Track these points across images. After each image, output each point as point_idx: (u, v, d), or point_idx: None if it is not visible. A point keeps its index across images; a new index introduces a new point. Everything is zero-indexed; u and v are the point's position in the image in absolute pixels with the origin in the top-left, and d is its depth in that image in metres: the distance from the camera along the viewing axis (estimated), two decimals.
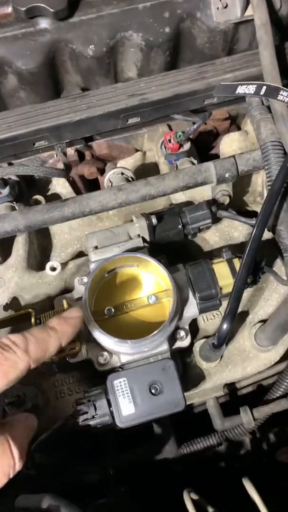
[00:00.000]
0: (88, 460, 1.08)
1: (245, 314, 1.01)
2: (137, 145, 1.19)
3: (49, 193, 1.15)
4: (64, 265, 1.02)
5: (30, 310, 0.88)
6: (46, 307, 0.97)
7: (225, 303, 0.82)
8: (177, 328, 0.88)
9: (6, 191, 1.01)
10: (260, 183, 1.16)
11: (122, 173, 1.05)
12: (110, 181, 1.05)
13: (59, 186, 1.14)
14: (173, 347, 0.88)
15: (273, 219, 0.89)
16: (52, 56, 1.05)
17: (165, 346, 0.84)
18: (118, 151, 1.19)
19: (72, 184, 1.16)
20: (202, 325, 1.00)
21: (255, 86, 0.93)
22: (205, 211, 0.97)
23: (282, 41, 1.08)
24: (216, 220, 1.04)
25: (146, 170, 1.18)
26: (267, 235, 0.93)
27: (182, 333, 0.89)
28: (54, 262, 0.99)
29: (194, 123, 1.02)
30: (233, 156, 0.97)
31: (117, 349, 0.82)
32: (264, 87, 0.92)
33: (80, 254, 1.09)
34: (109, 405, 0.78)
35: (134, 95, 1.00)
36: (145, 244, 0.94)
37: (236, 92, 0.97)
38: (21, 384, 0.88)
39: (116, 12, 1.03)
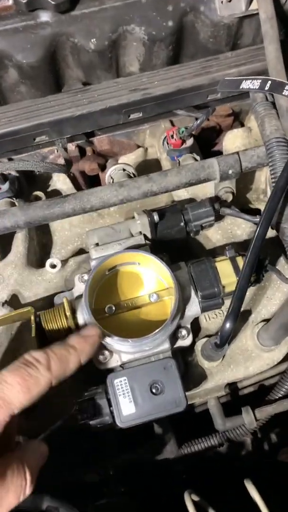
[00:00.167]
0: (88, 460, 1.07)
1: (248, 313, 0.99)
2: (138, 141, 1.18)
3: (50, 189, 1.14)
4: (64, 262, 1.01)
5: (29, 307, 0.87)
6: (46, 305, 0.95)
7: (227, 302, 0.80)
8: (178, 326, 0.87)
9: (5, 186, 1.00)
10: (263, 181, 1.14)
11: (124, 169, 1.04)
12: (112, 177, 1.04)
13: (60, 182, 1.13)
14: (175, 346, 0.86)
15: (277, 217, 0.88)
16: (53, 50, 1.03)
17: (166, 345, 0.83)
18: (120, 147, 1.17)
19: (73, 180, 1.15)
20: (204, 324, 0.99)
21: (260, 81, 0.92)
22: (208, 208, 0.96)
23: (287, 36, 1.07)
24: (219, 217, 1.02)
25: (148, 167, 1.17)
26: (270, 233, 0.92)
27: (183, 332, 0.88)
28: (54, 259, 0.98)
29: (197, 119, 1.01)
30: (237, 153, 0.96)
31: (117, 347, 0.81)
32: (269, 82, 0.91)
33: (81, 251, 1.08)
34: (110, 404, 0.77)
35: (136, 90, 0.99)
36: (147, 242, 0.93)
37: (241, 87, 0.96)
38: None
39: (119, 5, 1.02)
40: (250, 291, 1.00)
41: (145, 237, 0.94)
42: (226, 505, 0.94)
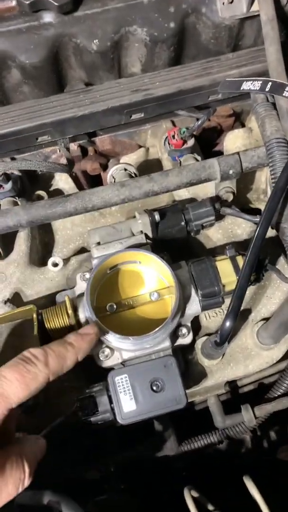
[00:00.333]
0: (89, 456, 1.08)
1: (248, 312, 1.00)
2: (140, 141, 1.19)
3: (52, 188, 1.15)
4: (66, 261, 1.02)
5: (31, 305, 0.88)
6: (48, 303, 0.96)
7: (227, 301, 0.81)
8: (179, 325, 0.88)
9: (8, 186, 1.01)
10: (263, 181, 1.15)
11: (125, 169, 1.04)
12: (113, 177, 1.05)
13: (62, 181, 1.14)
14: (175, 344, 0.87)
15: (277, 217, 0.89)
16: (56, 51, 1.04)
17: (167, 343, 0.83)
18: (121, 147, 1.18)
19: (75, 179, 1.16)
20: (204, 323, 0.99)
21: (261, 82, 0.93)
22: (209, 208, 0.96)
23: (287, 37, 1.07)
24: (219, 217, 1.03)
25: (149, 167, 1.17)
26: (270, 232, 0.92)
27: (184, 330, 0.88)
28: (56, 257, 0.99)
29: (198, 119, 1.01)
30: (238, 153, 0.97)
31: (119, 345, 0.82)
32: (270, 84, 0.91)
33: (82, 250, 1.08)
34: (110, 401, 0.78)
35: (138, 91, 0.99)
36: (148, 241, 0.94)
37: (241, 88, 0.96)
38: None
39: (121, 7, 1.03)
40: (250, 290, 1.01)
41: (146, 236, 0.95)
42: (225, 501, 0.95)
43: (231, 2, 1.05)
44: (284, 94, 0.89)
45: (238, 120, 1.26)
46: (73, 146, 1.14)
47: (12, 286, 0.99)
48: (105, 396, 0.79)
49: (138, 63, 1.12)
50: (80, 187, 1.18)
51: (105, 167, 1.23)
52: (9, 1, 1.00)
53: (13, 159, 1.08)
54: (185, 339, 0.89)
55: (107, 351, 0.84)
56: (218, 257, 0.90)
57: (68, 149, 1.06)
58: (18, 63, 1.03)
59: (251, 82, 0.94)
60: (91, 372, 0.92)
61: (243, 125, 1.26)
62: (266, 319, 0.96)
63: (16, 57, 1.02)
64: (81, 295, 0.89)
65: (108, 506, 0.95)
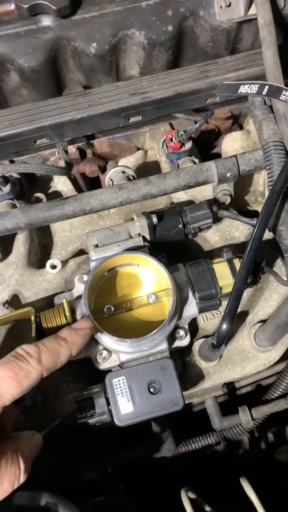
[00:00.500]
0: (87, 457, 1.09)
1: (245, 314, 1.01)
2: (138, 144, 1.19)
3: (50, 190, 1.15)
4: (64, 263, 1.02)
5: (30, 307, 0.89)
6: (46, 305, 0.97)
7: (225, 303, 0.82)
8: (176, 327, 0.88)
9: (7, 188, 1.02)
10: (261, 183, 1.16)
11: (123, 172, 1.05)
12: (111, 180, 1.05)
13: (60, 184, 1.14)
14: (172, 346, 0.88)
15: (274, 219, 0.89)
16: (54, 54, 1.04)
17: (164, 345, 0.84)
18: (120, 150, 1.19)
19: (74, 182, 1.16)
20: (201, 325, 1.00)
21: (258, 85, 0.93)
22: (206, 211, 0.97)
23: (285, 40, 1.08)
24: (217, 219, 1.04)
25: (148, 169, 1.18)
26: (267, 235, 0.93)
27: (181, 332, 0.89)
28: (54, 260, 1.00)
29: (196, 122, 1.02)
30: (235, 156, 0.97)
31: (116, 347, 0.82)
32: (267, 87, 0.92)
33: (81, 252, 1.09)
34: (108, 403, 0.79)
35: (136, 94, 1.00)
36: (146, 243, 0.94)
37: (239, 91, 0.97)
38: None
39: (119, 10, 1.03)
40: (248, 292, 1.02)
41: (144, 238, 0.95)
42: (222, 503, 0.95)
43: (229, 6, 1.06)
44: (281, 98, 0.90)
45: (236, 122, 1.27)
46: (72, 149, 1.15)
47: (10, 288, 0.99)
48: (103, 398, 0.80)
49: (136, 66, 1.12)
50: (78, 189, 1.18)
51: (103, 170, 1.23)
52: (7, 4, 1.00)
53: (11, 161, 1.09)
54: (182, 341, 0.89)
55: (104, 353, 0.85)
56: (215, 260, 0.91)
57: (66, 151, 1.06)
58: (16, 66, 1.03)
59: (248, 85, 0.94)
60: (89, 374, 0.93)
61: (241, 128, 1.27)
62: (264, 321, 0.96)
63: (14, 60, 1.02)
64: (79, 297, 0.90)
65: (106, 507, 0.96)
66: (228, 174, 0.96)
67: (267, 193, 1.07)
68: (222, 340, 0.82)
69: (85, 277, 0.92)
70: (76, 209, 0.93)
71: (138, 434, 1.09)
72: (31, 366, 0.67)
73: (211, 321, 1.00)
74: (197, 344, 0.95)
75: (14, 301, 0.99)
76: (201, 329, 1.00)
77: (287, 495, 1.11)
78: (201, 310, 0.89)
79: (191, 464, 1.15)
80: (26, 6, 0.98)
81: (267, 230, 0.86)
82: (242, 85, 0.96)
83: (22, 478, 0.66)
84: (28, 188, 1.12)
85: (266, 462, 1.24)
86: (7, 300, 0.98)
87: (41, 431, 0.81)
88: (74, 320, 0.88)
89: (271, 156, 0.91)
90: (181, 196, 1.10)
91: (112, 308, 0.86)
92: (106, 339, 0.81)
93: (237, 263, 0.89)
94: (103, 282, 0.90)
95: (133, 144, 1.19)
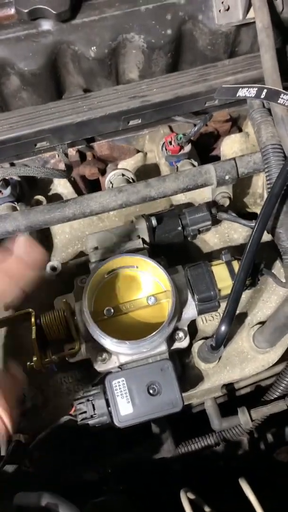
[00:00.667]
0: (87, 458, 1.09)
1: (244, 315, 1.01)
2: (138, 146, 1.20)
3: (51, 193, 1.16)
4: (64, 265, 1.03)
5: (30, 310, 0.89)
6: (46, 307, 0.97)
7: (223, 305, 0.82)
8: (176, 329, 0.89)
9: (7, 191, 1.02)
10: (260, 185, 1.16)
11: (123, 175, 1.05)
12: (111, 182, 1.06)
13: (61, 186, 1.15)
14: (172, 348, 0.89)
15: (272, 222, 0.90)
16: (54, 58, 1.05)
17: (163, 347, 0.85)
18: (119, 152, 1.19)
19: (74, 184, 1.17)
20: (201, 326, 1.01)
21: (256, 89, 0.94)
22: (205, 213, 0.98)
23: (283, 44, 1.09)
24: (216, 221, 1.04)
25: (147, 171, 1.19)
26: (266, 237, 0.93)
27: (181, 334, 0.90)
28: (54, 261, 1.00)
29: (195, 125, 1.03)
30: (234, 159, 0.98)
31: (116, 349, 0.83)
32: (265, 91, 0.92)
33: (81, 254, 1.10)
34: (108, 404, 0.79)
35: (136, 97, 1.00)
36: (145, 246, 0.95)
37: (237, 95, 0.97)
38: None
39: (119, 14, 1.04)
40: (246, 294, 1.02)
41: (144, 241, 0.96)
42: (222, 503, 0.96)
43: (228, 10, 1.06)
44: (279, 101, 0.90)
45: (235, 125, 1.28)
46: (72, 151, 1.15)
47: None
48: (103, 399, 0.80)
49: (136, 70, 1.13)
50: (78, 191, 1.19)
51: (103, 172, 1.24)
52: (8, 9, 1.01)
53: (12, 164, 1.10)
54: (181, 343, 0.90)
55: (104, 354, 0.86)
56: (214, 262, 0.91)
57: (66, 154, 1.07)
58: (17, 70, 1.04)
59: (247, 89, 0.95)
60: (89, 375, 0.93)
61: (240, 130, 1.27)
62: (262, 323, 0.97)
63: (15, 64, 1.03)
64: (79, 299, 0.90)
65: (106, 507, 0.96)
66: (227, 177, 0.96)
67: (266, 195, 1.08)
68: (221, 341, 0.82)
69: (85, 279, 0.92)
70: (76, 211, 0.93)
71: (138, 435, 1.09)
72: None
73: (210, 323, 1.00)
74: (196, 346, 0.96)
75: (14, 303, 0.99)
76: (200, 330, 1.00)
77: (286, 495, 1.12)
78: (200, 312, 0.90)
79: (190, 465, 1.15)
80: (26, 10, 0.98)
81: (265, 232, 0.87)
82: (240, 89, 0.97)
83: (10, 427, 0.60)
84: (29, 190, 1.12)
85: (265, 462, 1.25)
86: (8, 301, 0.99)
87: (42, 432, 0.82)
88: (74, 322, 0.88)
89: (270, 159, 0.91)
90: (180, 198, 1.11)
91: (112, 310, 0.87)
92: (105, 341, 0.82)
93: (235, 265, 0.90)
94: (103, 284, 0.91)
95: (133, 146, 1.19)
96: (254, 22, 1.02)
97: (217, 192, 1.02)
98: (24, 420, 0.89)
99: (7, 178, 1.03)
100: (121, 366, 0.85)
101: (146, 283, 0.91)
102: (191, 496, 0.91)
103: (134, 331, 0.84)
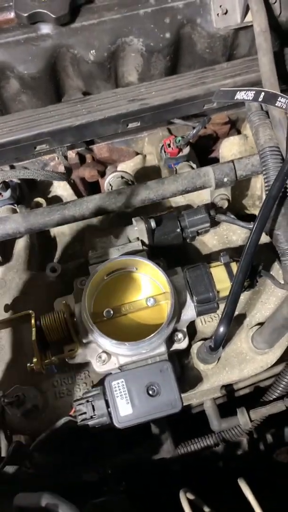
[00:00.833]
0: (87, 459, 1.10)
1: (243, 316, 1.02)
2: (137, 149, 1.21)
3: (50, 195, 1.17)
4: (64, 266, 1.03)
5: (30, 311, 0.90)
6: (46, 309, 0.98)
7: (222, 306, 0.83)
8: (175, 330, 0.90)
9: (7, 194, 1.03)
10: (259, 187, 1.17)
11: (122, 177, 1.06)
12: (110, 185, 1.07)
13: (60, 188, 1.16)
14: (171, 349, 0.89)
15: (270, 223, 0.90)
16: (53, 61, 1.06)
17: (162, 348, 0.85)
18: (119, 154, 1.20)
19: (73, 186, 1.18)
20: (200, 328, 1.01)
21: (254, 92, 0.94)
22: (204, 215, 0.98)
23: (281, 47, 1.09)
24: (214, 223, 1.05)
25: (146, 173, 1.19)
26: (265, 238, 0.94)
27: (180, 335, 0.90)
28: (54, 263, 1.01)
29: (193, 128, 1.03)
30: (232, 161, 0.99)
31: (115, 350, 0.84)
32: (263, 94, 0.93)
33: (80, 256, 1.10)
34: (107, 405, 0.80)
35: (135, 100, 1.01)
36: (144, 247, 0.96)
37: (235, 98, 0.98)
38: (20, 385, 0.89)
39: (118, 18, 1.04)
40: (245, 295, 1.03)
41: (143, 243, 0.97)
42: (221, 504, 0.96)
43: (226, 13, 1.07)
44: (276, 104, 0.91)
45: (234, 127, 1.28)
46: (71, 154, 1.16)
47: (11, 292, 1.01)
48: (102, 400, 0.81)
49: (135, 73, 1.14)
50: (78, 193, 1.20)
51: (103, 174, 1.25)
52: (7, 13, 1.01)
53: (12, 167, 1.10)
54: (181, 344, 0.90)
55: (104, 356, 0.86)
56: (212, 264, 0.92)
57: (66, 157, 1.08)
58: (16, 73, 1.04)
59: (245, 92, 0.96)
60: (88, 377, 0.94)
61: (238, 132, 1.28)
62: (261, 324, 0.98)
63: (14, 67, 1.04)
64: (79, 301, 0.91)
65: (106, 508, 0.97)
66: (225, 179, 0.97)
67: (264, 197, 1.09)
68: (219, 342, 0.83)
69: (85, 281, 0.93)
70: (75, 213, 0.94)
71: (138, 436, 1.10)
72: None
73: (209, 324, 1.01)
74: (195, 347, 0.97)
75: (14, 305, 1.00)
76: (199, 332, 1.01)
77: (286, 496, 1.12)
78: (199, 313, 0.90)
79: (190, 466, 1.16)
80: (25, 14, 0.99)
81: (264, 234, 0.87)
82: (238, 92, 0.97)
83: None
84: (28, 193, 1.13)
85: (265, 463, 1.25)
86: (8, 303, 0.99)
87: (42, 433, 0.83)
88: (73, 323, 0.89)
89: (267, 161, 0.92)
90: (179, 200, 1.11)
91: (111, 312, 0.87)
92: (105, 342, 0.82)
93: (234, 266, 0.91)
94: (102, 285, 0.91)
95: (132, 149, 1.20)
96: (252, 26, 1.02)
97: (215, 194, 1.03)
98: (24, 421, 0.90)
99: (7, 180, 1.03)
100: (120, 367, 0.86)
101: (145, 285, 0.92)
102: (191, 497, 0.92)
103: (133, 333, 0.85)
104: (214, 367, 0.98)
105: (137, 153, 1.21)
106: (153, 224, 0.97)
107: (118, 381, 0.80)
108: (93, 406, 0.81)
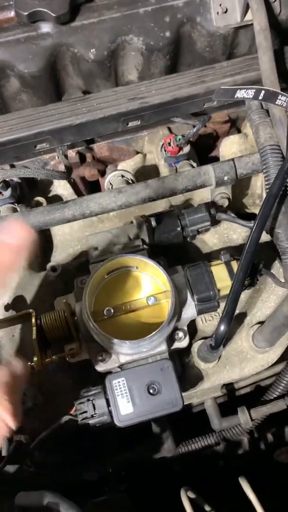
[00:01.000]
0: (88, 457, 1.10)
1: (243, 315, 1.02)
2: (137, 147, 1.20)
3: (51, 194, 1.16)
4: (64, 266, 1.03)
5: (30, 310, 0.90)
6: (47, 308, 0.98)
7: (223, 305, 0.83)
8: (175, 329, 0.90)
9: (8, 193, 1.03)
10: (259, 186, 1.17)
11: (122, 176, 1.06)
12: (111, 184, 1.06)
13: (61, 187, 1.15)
14: (172, 348, 0.89)
15: (271, 222, 0.90)
16: (53, 60, 1.06)
17: (163, 347, 0.85)
18: (119, 153, 1.20)
19: (73, 185, 1.18)
20: (200, 326, 1.01)
21: (254, 90, 0.94)
22: (204, 214, 0.98)
23: (281, 45, 1.09)
24: (215, 222, 1.05)
25: (147, 172, 1.19)
26: (265, 237, 0.94)
27: (180, 334, 0.90)
28: (54, 262, 1.01)
29: (194, 126, 1.03)
30: (232, 159, 0.99)
31: (116, 349, 0.84)
32: (263, 92, 0.93)
33: (81, 255, 1.10)
34: (108, 404, 0.80)
35: (135, 99, 1.01)
36: (145, 246, 0.95)
37: (235, 96, 0.98)
38: None
39: (117, 17, 1.04)
40: (246, 294, 1.03)
41: (143, 241, 0.96)
42: (222, 503, 0.96)
43: (226, 12, 1.07)
44: (276, 102, 0.91)
45: (234, 126, 1.28)
46: (71, 153, 1.16)
47: (11, 291, 1.01)
48: (103, 399, 0.81)
49: (135, 71, 1.14)
50: (78, 192, 1.20)
51: (103, 173, 1.25)
52: (7, 12, 1.01)
53: (12, 166, 1.10)
54: (181, 343, 0.90)
55: (104, 355, 0.86)
56: (213, 262, 0.92)
57: (66, 156, 1.08)
58: (16, 72, 1.04)
59: (245, 90, 0.96)
60: (89, 375, 0.94)
61: (239, 131, 1.28)
62: (262, 323, 0.98)
63: (14, 66, 1.04)
64: (79, 300, 0.91)
65: (106, 506, 0.97)
66: (225, 178, 0.97)
67: (264, 196, 1.09)
68: (220, 341, 0.83)
69: (85, 280, 0.93)
70: (75, 212, 0.94)
71: (139, 435, 1.10)
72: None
73: (209, 323, 1.01)
74: (196, 346, 0.96)
75: (15, 304, 1.00)
76: (200, 330, 1.01)
77: (287, 495, 1.12)
78: (199, 312, 0.90)
79: (191, 465, 1.16)
80: (25, 13, 0.99)
81: (265, 233, 0.87)
82: (239, 90, 0.97)
83: (13, 425, 0.56)
84: (29, 192, 1.13)
85: (265, 462, 1.25)
86: (8, 303, 0.99)
87: (42, 432, 0.83)
88: (74, 322, 0.89)
89: (268, 160, 0.92)
90: (179, 199, 1.11)
91: (112, 310, 0.87)
92: (105, 341, 0.82)
93: (234, 265, 0.90)
94: (103, 284, 0.91)
95: (132, 148, 1.20)
96: (252, 24, 1.02)
97: (216, 193, 1.03)
98: (24, 420, 0.90)
99: (7, 179, 1.03)
100: (121, 366, 0.86)
101: (146, 284, 0.92)
102: (192, 495, 0.92)
103: (134, 331, 0.85)
104: (215, 365, 0.98)
105: (137, 152, 1.21)
106: (153, 222, 0.97)
107: (119, 380, 0.80)
108: (93, 405, 0.81)
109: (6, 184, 1.03)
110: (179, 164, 1.11)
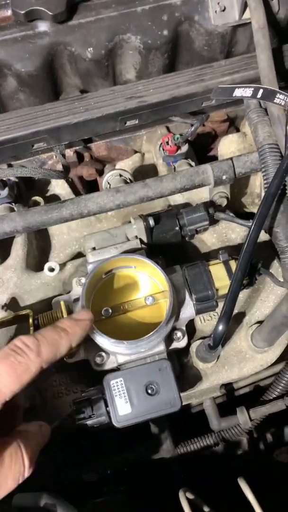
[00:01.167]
0: (87, 458, 1.09)
1: (242, 315, 1.01)
2: (135, 147, 1.20)
3: (48, 194, 1.16)
4: (62, 265, 1.03)
5: (28, 310, 0.89)
6: (44, 308, 0.98)
7: (221, 304, 0.82)
8: (174, 329, 0.89)
9: (5, 192, 1.02)
10: (258, 185, 1.16)
11: (120, 175, 1.06)
12: (109, 183, 1.06)
13: (58, 187, 1.15)
14: (170, 348, 0.89)
15: (269, 221, 0.90)
16: (51, 59, 1.05)
17: (161, 347, 0.85)
18: (117, 153, 1.20)
19: (71, 185, 1.17)
20: (199, 326, 1.01)
21: (252, 89, 0.94)
22: (202, 213, 0.98)
23: (279, 44, 1.09)
24: (213, 221, 1.05)
25: (145, 172, 1.19)
26: (264, 236, 0.94)
27: (179, 333, 0.90)
28: (52, 262, 1.00)
29: (192, 125, 1.03)
30: (231, 158, 0.98)
31: (114, 349, 0.83)
32: (261, 90, 0.93)
33: (79, 255, 1.10)
34: (106, 405, 0.79)
35: (132, 98, 1.00)
36: (143, 246, 0.95)
37: (234, 95, 0.98)
38: None
39: (115, 15, 1.04)
40: (245, 293, 1.02)
41: (141, 241, 0.96)
42: (221, 503, 0.96)
43: (224, 10, 1.06)
44: (275, 101, 0.90)
45: (233, 125, 1.28)
46: (69, 152, 1.15)
47: (9, 291, 1.00)
48: (101, 400, 0.80)
49: (133, 70, 1.13)
50: (76, 192, 1.19)
51: (101, 173, 1.24)
52: (4, 11, 1.01)
53: (9, 165, 1.10)
54: (180, 343, 0.90)
55: (102, 355, 0.86)
56: (211, 262, 0.92)
57: (64, 155, 1.07)
58: (14, 71, 1.04)
59: (243, 89, 0.95)
60: (87, 376, 0.93)
61: (237, 130, 1.28)
62: (260, 322, 0.97)
63: (12, 65, 1.03)
64: (77, 300, 0.91)
65: (105, 507, 0.97)
66: (224, 177, 0.97)
67: (263, 195, 1.08)
68: (218, 341, 0.82)
69: (83, 280, 0.92)
70: (73, 212, 0.93)
71: (137, 435, 1.09)
72: (30, 359, 0.64)
73: (208, 323, 1.01)
74: (194, 346, 0.96)
75: (12, 304, 0.99)
76: (198, 330, 1.00)
77: (286, 496, 1.12)
78: (198, 312, 0.90)
79: (189, 465, 1.15)
80: (22, 12, 0.98)
81: (263, 232, 0.87)
82: (237, 89, 0.97)
83: (27, 473, 0.63)
84: (26, 191, 1.13)
85: (265, 462, 1.25)
86: (6, 303, 0.99)
87: None
88: None
89: (266, 159, 0.92)
90: (178, 199, 1.11)
91: (110, 310, 0.87)
92: (104, 341, 0.82)
93: (233, 264, 0.90)
94: (101, 284, 0.91)
95: (130, 147, 1.20)
96: (250, 23, 1.02)
97: (214, 192, 1.03)
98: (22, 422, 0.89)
99: (4, 179, 1.03)
100: (119, 366, 0.85)
101: (144, 283, 0.91)
102: (190, 496, 0.91)
103: (132, 331, 0.85)
104: (214, 365, 0.97)
105: (135, 151, 1.21)
106: (151, 222, 0.96)
107: (117, 380, 0.80)
108: (91, 406, 0.80)
109: (4, 183, 1.02)
110: (177, 163, 1.11)
